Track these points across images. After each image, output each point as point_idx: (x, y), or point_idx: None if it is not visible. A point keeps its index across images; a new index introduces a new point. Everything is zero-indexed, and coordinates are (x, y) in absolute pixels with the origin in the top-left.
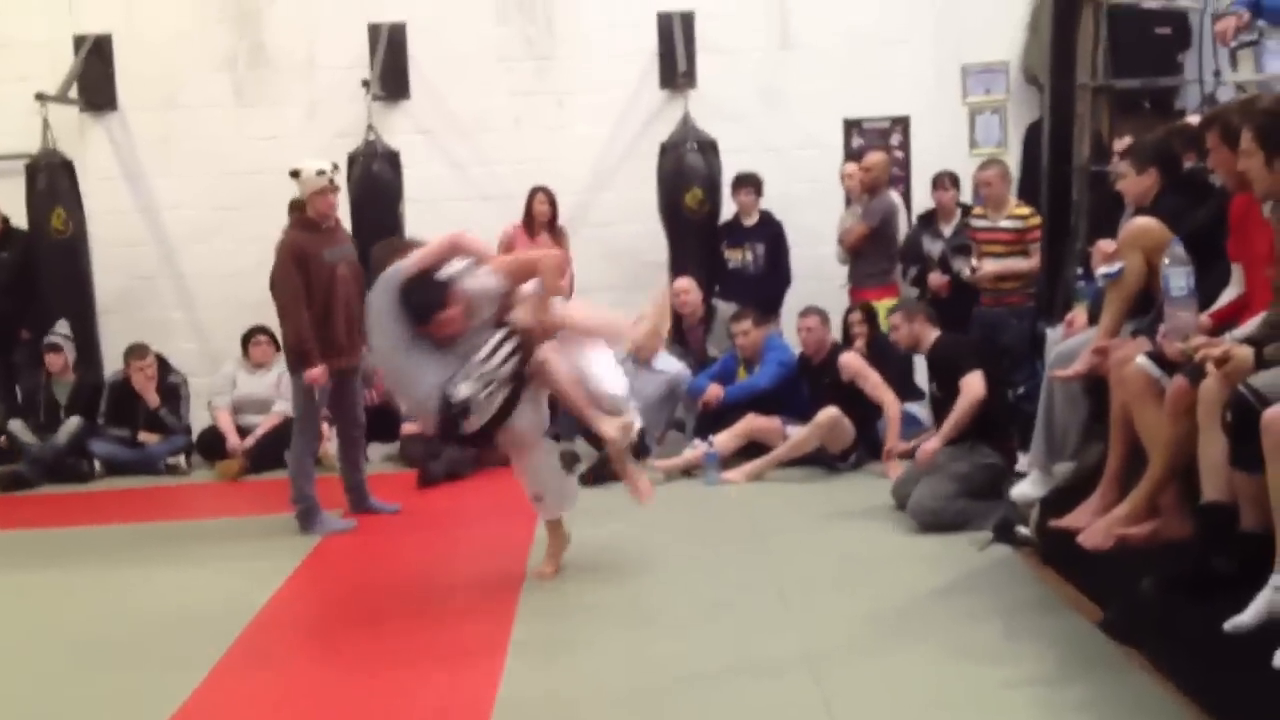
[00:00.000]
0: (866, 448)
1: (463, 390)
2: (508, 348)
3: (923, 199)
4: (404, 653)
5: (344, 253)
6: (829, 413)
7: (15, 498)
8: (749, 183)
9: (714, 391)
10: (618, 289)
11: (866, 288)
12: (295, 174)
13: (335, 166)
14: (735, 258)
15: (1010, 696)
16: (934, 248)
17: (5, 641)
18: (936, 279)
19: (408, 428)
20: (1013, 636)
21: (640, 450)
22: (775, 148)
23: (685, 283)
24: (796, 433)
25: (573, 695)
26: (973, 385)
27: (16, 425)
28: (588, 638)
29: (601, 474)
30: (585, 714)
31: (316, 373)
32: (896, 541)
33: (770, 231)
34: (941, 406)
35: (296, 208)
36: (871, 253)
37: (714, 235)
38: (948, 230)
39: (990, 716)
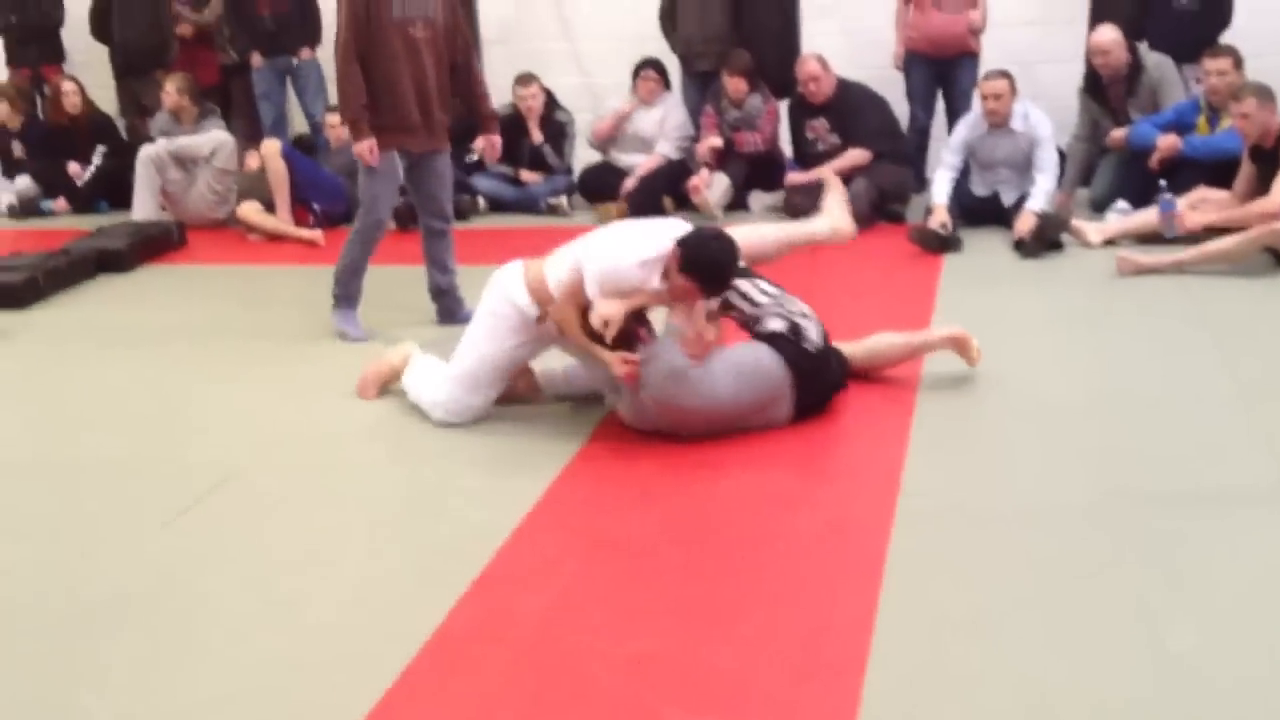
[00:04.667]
0: None
1: None
2: None
3: None
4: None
5: (424, 9)
6: (1270, 224)
7: (398, 232)
8: None
9: (1170, 142)
10: (1035, 24)
11: None
12: None
13: None
14: None
15: None
16: None
17: None
18: None
19: (793, 177)
20: None
21: (1047, 240)
22: None
23: (1107, 38)
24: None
25: (981, 496)
26: None
27: None
28: (992, 430)
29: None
30: (1006, 517)
31: (363, 147)
32: None
33: None
34: None
35: None
36: None
37: None
38: None
39: None
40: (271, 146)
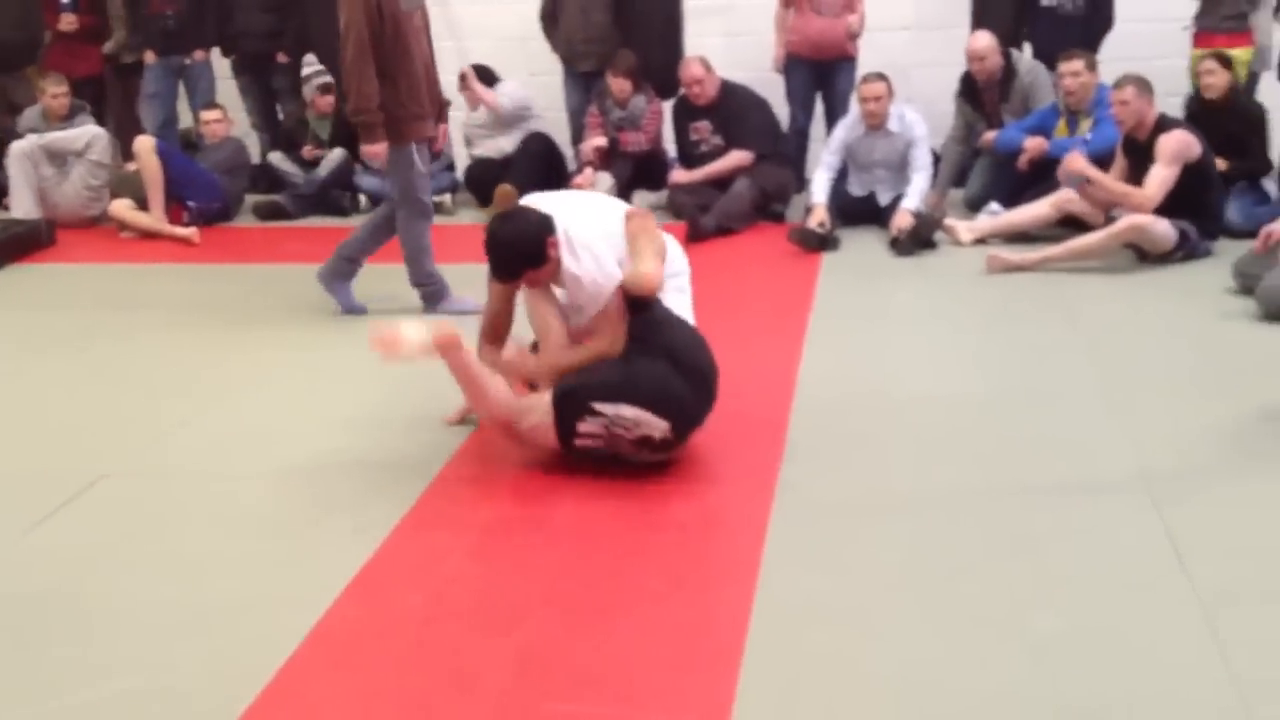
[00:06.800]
0: (1205, 233)
1: None
2: None
3: None
4: None
5: None
6: (1132, 220)
7: (276, 229)
8: None
9: (1038, 143)
10: (910, 29)
11: (1219, 32)
12: None
13: None
14: None
15: None
16: None
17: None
18: None
19: (677, 176)
20: None
21: (921, 239)
22: None
23: (983, 44)
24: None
25: (857, 491)
26: None
27: (276, 156)
28: (866, 425)
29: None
30: (881, 511)
31: (378, 149)
32: (1240, 333)
33: None
34: None
35: None
36: None
37: None
38: None
39: None
40: (145, 143)
